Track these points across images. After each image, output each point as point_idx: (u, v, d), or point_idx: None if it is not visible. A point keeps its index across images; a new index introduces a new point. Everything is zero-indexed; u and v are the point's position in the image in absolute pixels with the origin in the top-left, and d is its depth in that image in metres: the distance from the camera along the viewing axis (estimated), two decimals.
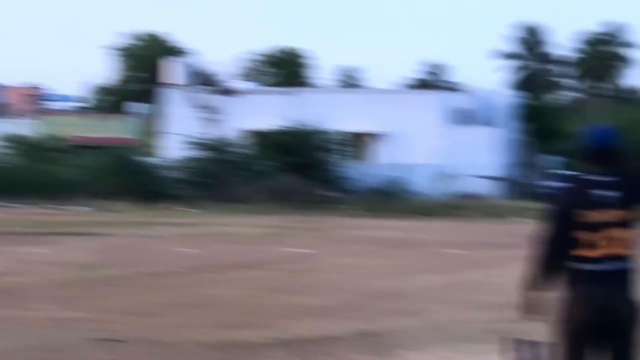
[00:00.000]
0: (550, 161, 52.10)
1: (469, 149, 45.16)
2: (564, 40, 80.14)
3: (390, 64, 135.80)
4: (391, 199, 41.46)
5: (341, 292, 15.70)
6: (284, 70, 56.59)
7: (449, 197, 42.83)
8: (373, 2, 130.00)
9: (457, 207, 40.33)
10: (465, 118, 48.34)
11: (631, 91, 76.21)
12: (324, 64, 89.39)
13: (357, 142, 46.97)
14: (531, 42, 77.21)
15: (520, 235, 16.64)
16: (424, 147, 44.92)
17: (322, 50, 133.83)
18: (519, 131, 50.97)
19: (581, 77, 78.54)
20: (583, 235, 5.02)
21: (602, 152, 5.11)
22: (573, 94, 78.34)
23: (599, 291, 4.99)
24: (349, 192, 43.30)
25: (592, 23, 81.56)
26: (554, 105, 62.00)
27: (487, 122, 47.91)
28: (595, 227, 5.03)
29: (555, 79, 79.34)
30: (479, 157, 45.01)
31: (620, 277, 5.03)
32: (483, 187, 44.93)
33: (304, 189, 40.89)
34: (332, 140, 44.63)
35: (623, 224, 5.03)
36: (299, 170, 41.69)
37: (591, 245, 5.02)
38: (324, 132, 43.97)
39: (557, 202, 5.25)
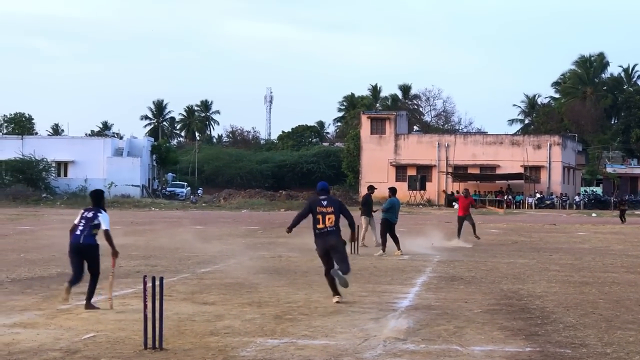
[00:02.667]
0: (169, 177, 78.81)
1: (124, 169, 67.91)
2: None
3: (84, 123, 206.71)
4: (80, 198, 59.49)
5: (49, 250, 20.12)
6: (18, 127, 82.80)
7: (114, 196, 61.33)
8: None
9: (120, 202, 59.18)
10: (121, 152, 70.94)
11: (215, 138, 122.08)
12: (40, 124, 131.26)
13: (61, 166, 67.94)
14: (157, 112, 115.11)
15: (155, 218, 40.56)
16: (99, 168, 67.67)
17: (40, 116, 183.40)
18: (151, 160, 73.91)
19: (183, 130, 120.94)
20: (318, 217, 11.77)
21: (321, 189, 11.99)
22: (180, 140, 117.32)
23: (324, 238, 11.74)
24: (55, 194, 63.57)
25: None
26: (170, 146, 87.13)
27: (134, 155, 70.87)
28: (322, 214, 11.72)
29: (170, 131, 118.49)
30: (130, 174, 67.90)
31: (334, 232, 11.73)
32: (132, 191, 67.46)
33: (29, 193, 60.86)
34: (46, 165, 65.69)
35: (332, 214, 11.71)
36: (27, 182, 63.01)
37: (319, 222, 11.75)
38: (41, 160, 65.48)
39: (308, 202, 11.99)
